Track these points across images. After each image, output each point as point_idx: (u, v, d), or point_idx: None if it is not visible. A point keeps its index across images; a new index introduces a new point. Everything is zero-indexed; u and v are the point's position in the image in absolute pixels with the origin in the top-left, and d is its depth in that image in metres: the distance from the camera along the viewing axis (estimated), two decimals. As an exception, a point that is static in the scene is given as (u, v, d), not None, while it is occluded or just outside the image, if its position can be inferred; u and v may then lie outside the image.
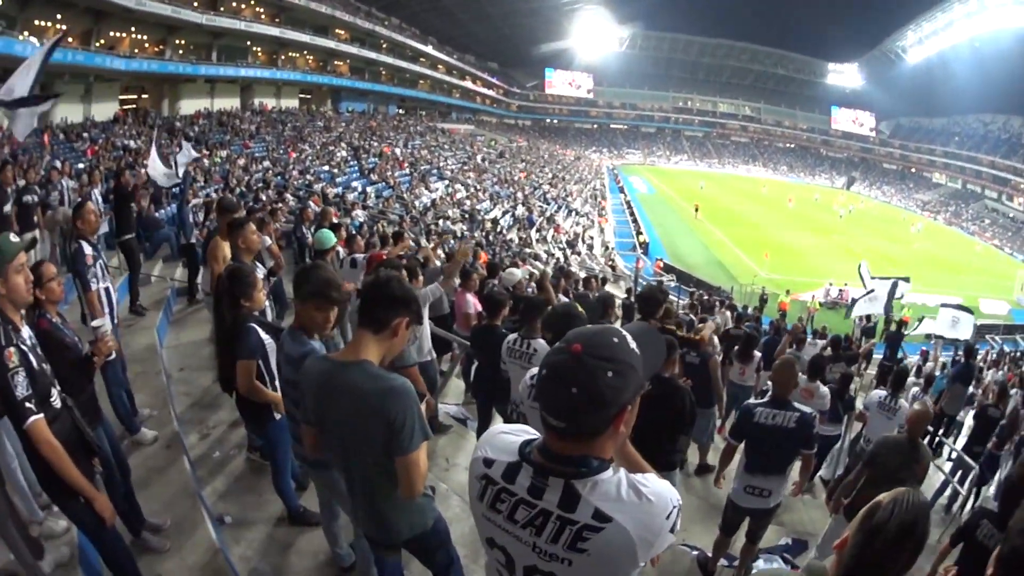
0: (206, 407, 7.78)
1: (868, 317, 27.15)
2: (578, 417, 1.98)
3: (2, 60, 28.70)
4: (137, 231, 12.61)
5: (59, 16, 38.59)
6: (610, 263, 40.41)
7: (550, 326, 5.23)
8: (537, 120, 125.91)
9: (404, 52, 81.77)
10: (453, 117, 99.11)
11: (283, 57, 62.00)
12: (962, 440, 13.88)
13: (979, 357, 24.48)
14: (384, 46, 76.90)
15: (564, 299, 11.45)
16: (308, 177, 36.03)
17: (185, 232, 13.61)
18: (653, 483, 2.07)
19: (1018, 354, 29.92)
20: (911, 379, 16.32)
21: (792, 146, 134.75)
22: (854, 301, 22.93)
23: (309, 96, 68.85)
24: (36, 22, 35.79)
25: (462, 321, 10.07)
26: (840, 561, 2.37)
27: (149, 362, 8.45)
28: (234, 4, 53.47)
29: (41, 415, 3.85)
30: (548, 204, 56.61)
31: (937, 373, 19.37)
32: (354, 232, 15.01)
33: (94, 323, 6.22)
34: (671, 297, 27.45)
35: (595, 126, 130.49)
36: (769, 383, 6.55)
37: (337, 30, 67.52)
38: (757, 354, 11.45)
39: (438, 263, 12.86)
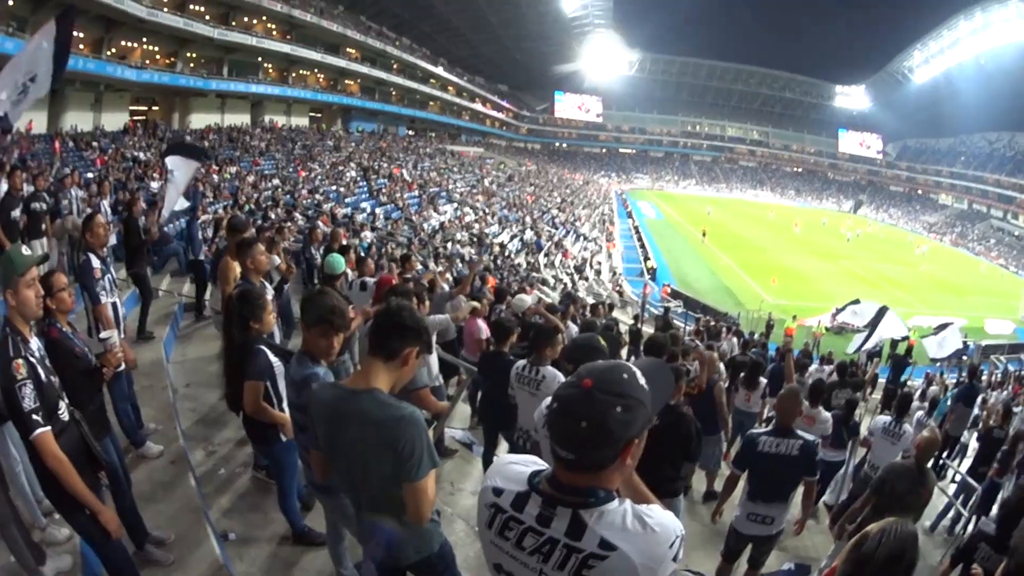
0: (212, 424, 7.79)
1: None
2: (586, 450, 2.02)
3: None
4: (149, 260, 12.51)
5: (70, 22, 38.82)
6: (617, 288, 40.41)
7: (572, 358, 5.21)
8: (546, 143, 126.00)
9: (415, 73, 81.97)
10: (463, 139, 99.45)
11: (294, 75, 62.25)
12: (967, 462, 13.74)
13: (984, 378, 24.37)
14: (395, 66, 77.15)
15: (573, 326, 11.55)
16: (317, 196, 36.01)
17: (193, 248, 13.71)
18: (657, 514, 2.11)
19: (1022, 373, 29.88)
20: (915, 403, 16.04)
21: (800, 170, 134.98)
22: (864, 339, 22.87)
23: (319, 115, 69.06)
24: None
25: (473, 347, 9.97)
26: None
27: (155, 376, 8.44)
28: (246, 19, 53.65)
29: (48, 428, 3.88)
30: (556, 228, 56.63)
31: (942, 396, 19.15)
32: (363, 254, 15.04)
33: (103, 335, 6.42)
34: (677, 323, 27.35)
35: (604, 150, 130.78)
36: (773, 412, 6.56)
37: (348, 49, 67.73)
38: (763, 380, 11.37)
39: (445, 287, 12.80)
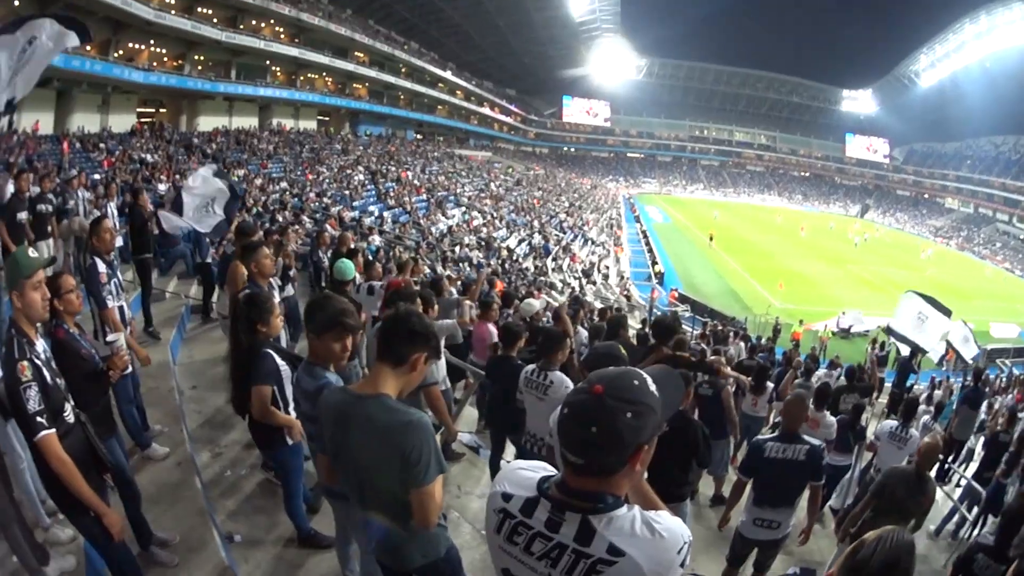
0: (218, 426, 7.80)
1: (882, 345, 27.02)
2: (596, 455, 2.03)
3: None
4: (153, 248, 12.47)
5: (78, 24, 39.02)
6: (625, 293, 40.59)
7: (591, 366, 5.00)
8: (554, 148, 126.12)
9: (423, 77, 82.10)
10: (471, 143, 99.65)
11: (302, 78, 62.35)
12: (973, 466, 13.80)
13: (991, 381, 24.33)
14: (403, 70, 77.25)
15: (583, 330, 11.79)
16: (325, 200, 36.07)
17: (201, 250, 13.53)
18: (666, 520, 2.11)
19: None
20: (922, 407, 16.25)
21: (807, 174, 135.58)
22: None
23: (327, 118, 69.23)
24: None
25: (483, 351, 9.85)
26: None
27: (162, 378, 8.43)
28: (254, 23, 53.77)
29: (52, 430, 3.87)
30: (564, 233, 56.66)
31: (947, 400, 19.29)
32: (371, 258, 15.06)
33: (109, 338, 6.50)
34: (685, 327, 27.24)
35: (612, 154, 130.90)
36: (780, 416, 6.60)
37: (356, 53, 67.89)
38: (770, 385, 11.45)
39: (453, 291, 12.85)
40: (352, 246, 13.19)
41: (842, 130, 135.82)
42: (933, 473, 13.14)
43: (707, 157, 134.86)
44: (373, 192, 45.54)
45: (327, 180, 43.09)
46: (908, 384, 20.36)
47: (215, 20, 49.13)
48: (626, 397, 2.01)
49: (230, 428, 7.70)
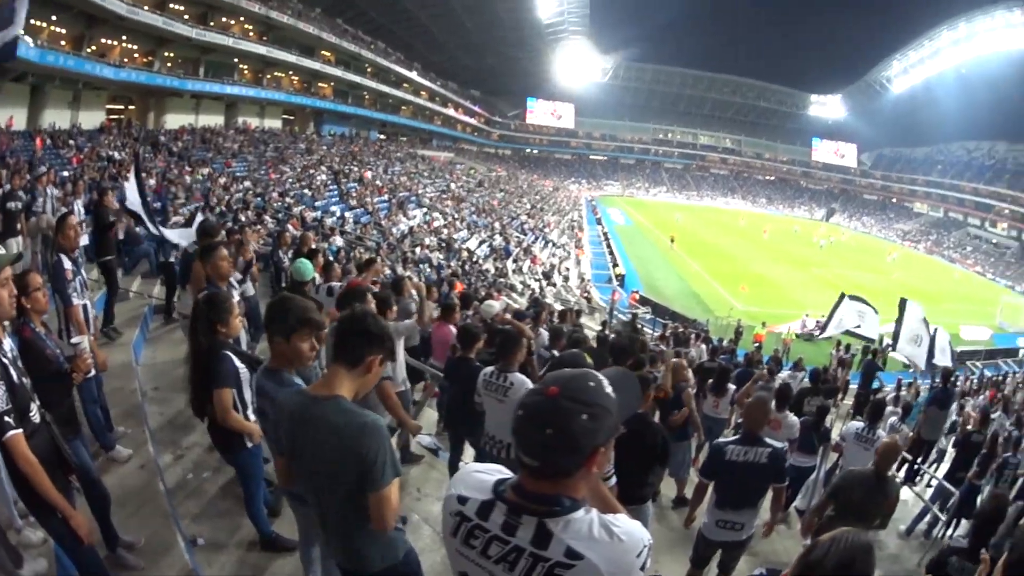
0: (180, 428, 7.75)
1: (847, 347, 27.20)
2: (552, 457, 2.05)
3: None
4: (117, 249, 12.36)
5: (54, 17, 38.88)
6: (586, 295, 40.55)
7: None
8: (517, 150, 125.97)
9: (388, 77, 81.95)
10: (434, 144, 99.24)
11: (268, 76, 62.10)
12: (945, 467, 13.95)
13: (959, 384, 24.48)
14: (368, 70, 77.11)
15: (544, 332, 11.80)
16: (288, 199, 35.95)
17: (164, 250, 13.61)
18: (624, 523, 2.13)
19: (1000, 378, 30.16)
20: (889, 408, 16.04)
21: (772, 178, 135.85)
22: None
23: (292, 117, 69.04)
24: (32, 21, 35.38)
25: (443, 354, 9.76)
26: None
27: (125, 378, 8.39)
28: (224, 20, 53.52)
29: (19, 430, 3.86)
30: (525, 234, 56.80)
31: (915, 401, 19.18)
32: (332, 259, 14.94)
33: (74, 340, 6.52)
34: (645, 329, 27.08)
35: (575, 157, 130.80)
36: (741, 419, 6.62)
37: (323, 52, 67.70)
38: (731, 387, 11.55)
39: (414, 292, 12.90)
40: (313, 246, 13.04)
41: (809, 134, 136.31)
42: (903, 473, 13.26)
43: (671, 160, 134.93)
44: (336, 192, 45.48)
45: (290, 180, 43.00)
46: (875, 386, 20.64)
47: (186, 17, 48.85)
48: (582, 399, 2.04)
49: (191, 430, 7.64)
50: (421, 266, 30.68)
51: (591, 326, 25.57)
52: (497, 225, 55.35)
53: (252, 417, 5.26)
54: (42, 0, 35.66)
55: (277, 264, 14.16)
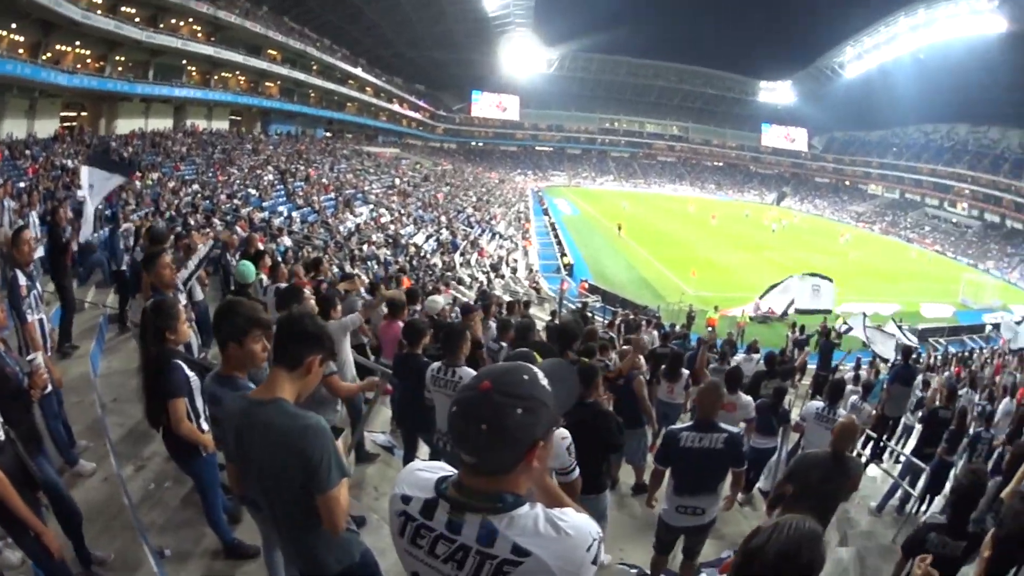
0: (139, 438, 7.54)
1: (802, 328, 27.50)
2: (489, 453, 2.05)
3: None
4: (73, 257, 12.02)
5: (13, 25, 38.68)
6: (534, 286, 40.61)
7: None
8: (463, 143, 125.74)
9: (333, 74, 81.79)
10: (379, 140, 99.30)
11: (216, 78, 61.79)
12: (913, 443, 13.82)
13: (923, 360, 24.99)
14: (314, 68, 76.88)
15: (492, 325, 11.66)
16: (236, 201, 35.82)
17: (116, 259, 13.43)
18: (571, 517, 2.11)
19: (966, 353, 31.03)
20: (849, 387, 15.94)
21: (720, 164, 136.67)
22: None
23: (240, 118, 68.70)
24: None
25: (392, 351, 9.40)
26: None
27: (84, 391, 8.23)
28: (173, 21, 53.13)
29: None
30: (472, 228, 56.90)
31: (875, 379, 19.42)
32: (280, 259, 14.98)
33: (29, 357, 6.16)
34: (596, 317, 26.78)
35: (520, 148, 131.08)
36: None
37: (269, 50, 67.46)
38: (685, 372, 11.52)
39: (363, 290, 12.94)
40: (261, 247, 13.20)
41: (759, 120, 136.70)
42: (868, 451, 13.54)
43: (618, 149, 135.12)
44: (283, 192, 45.39)
45: (238, 181, 42.84)
46: (834, 365, 20.66)
47: (137, 20, 48.55)
48: (515, 392, 2.03)
49: (151, 440, 7.36)
50: (369, 263, 30.75)
51: (540, 316, 25.62)
52: (444, 219, 55.39)
53: (205, 426, 5.21)
54: (1, 8, 35.69)
55: (226, 267, 14.11)
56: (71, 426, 6.84)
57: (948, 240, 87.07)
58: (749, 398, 9.94)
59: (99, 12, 43.23)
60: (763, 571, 2.35)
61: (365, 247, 35.41)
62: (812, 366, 21.53)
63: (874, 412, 14.15)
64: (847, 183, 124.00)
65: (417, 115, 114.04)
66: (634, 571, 7.09)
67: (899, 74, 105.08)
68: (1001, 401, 15.04)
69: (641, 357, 11.14)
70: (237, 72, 65.11)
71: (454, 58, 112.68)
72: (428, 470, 2.31)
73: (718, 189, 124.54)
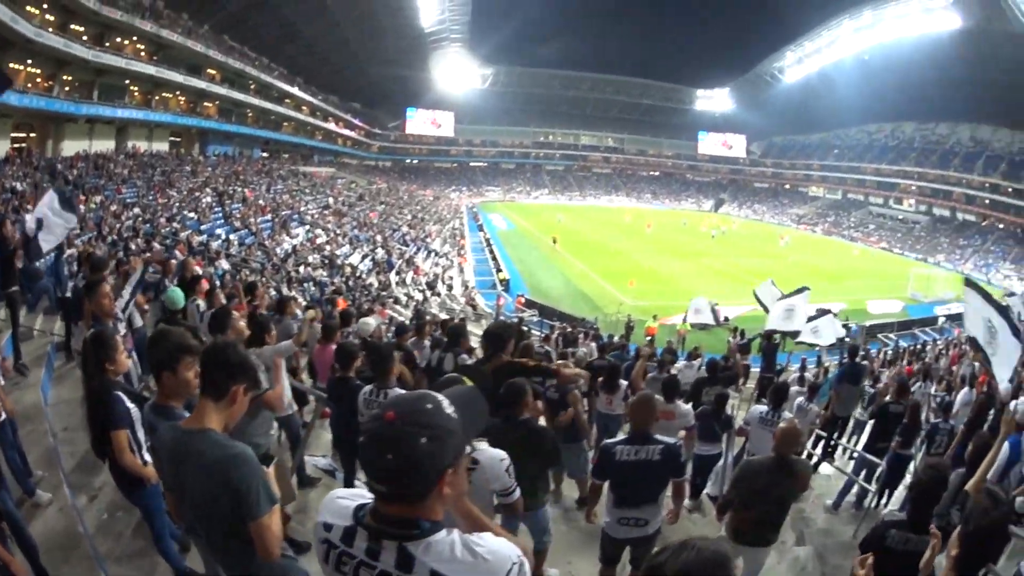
0: (90, 468, 7.34)
1: (742, 333, 28.02)
2: (398, 482, 2.08)
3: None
4: (20, 282, 11.70)
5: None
6: (471, 302, 40.85)
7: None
8: (398, 161, 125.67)
9: (271, 93, 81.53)
10: (315, 160, 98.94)
11: (157, 98, 61.29)
12: (864, 439, 13.28)
13: (873, 357, 25.53)
14: (252, 87, 76.65)
15: (426, 344, 11.75)
16: (175, 224, 35.46)
17: (62, 285, 13.68)
18: (488, 542, 2.18)
19: (919, 347, 31.43)
20: (795, 389, 15.59)
21: (657, 174, 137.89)
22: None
23: (179, 139, 68.11)
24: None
25: (326, 375, 9.82)
26: None
27: (36, 421, 8.17)
28: (118, 40, 52.60)
29: None
30: (407, 246, 56.91)
31: (822, 379, 19.38)
32: (218, 283, 15.14)
33: None
34: (533, 331, 26.90)
35: (455, 165, 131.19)
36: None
37: (209, 70, 67.27)
38: (623, 383, 11.27)
39: (299, 312, 12.97)
40: (198, 271, 13.25)
41: (696, 129, 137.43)
42: (819, 450, 13.84)
43: (552, 162, 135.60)
44: (220, 214, 45.07)
45: (177, 204, 42.46)
46: (779, 367, 21.01)
47: (84, 38, 48.15)
48: (420, 421, 2.07)
49: (101, 470, 6.93)
50: (305, 285, 31.16)
51: (477, 333, 25.65)
52: (379, 238, 55.47)
53: (148, 457, 5.12)
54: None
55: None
56: (27, 456, 6.93)
57: (895, 237, 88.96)
58: (688, 406, 9.91)
59: (50, 30, 42.81)
60: None
61: (302, 269, 35.74)
62: (756, 369, 21.56)
63: (823, 413, 14.02)
64: (787, 187, 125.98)
65: (353, 133, 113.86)
66: None
67: (841, 76, 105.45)
68: (960, 391, 15.22)
69: (568, 369, 9.99)
70: (177, 92, 64.41)
71: (390, 75, 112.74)
72: (348, 497, 2.37)
73: (654, 199, 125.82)
